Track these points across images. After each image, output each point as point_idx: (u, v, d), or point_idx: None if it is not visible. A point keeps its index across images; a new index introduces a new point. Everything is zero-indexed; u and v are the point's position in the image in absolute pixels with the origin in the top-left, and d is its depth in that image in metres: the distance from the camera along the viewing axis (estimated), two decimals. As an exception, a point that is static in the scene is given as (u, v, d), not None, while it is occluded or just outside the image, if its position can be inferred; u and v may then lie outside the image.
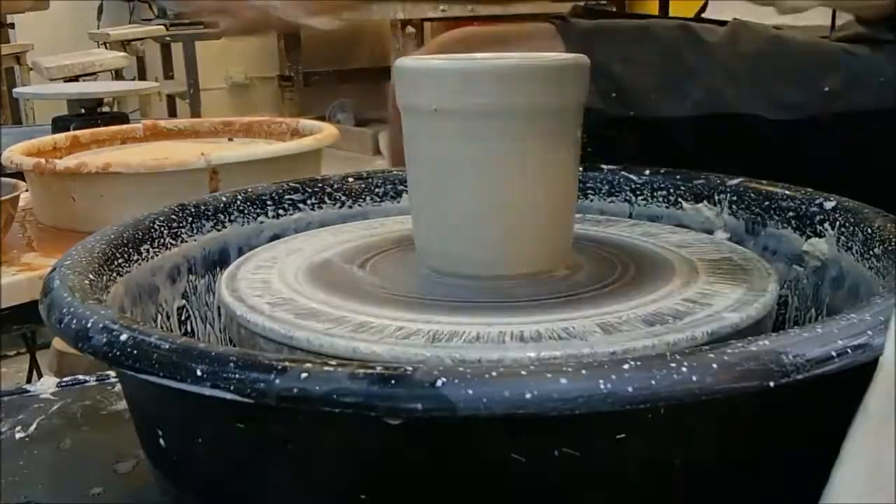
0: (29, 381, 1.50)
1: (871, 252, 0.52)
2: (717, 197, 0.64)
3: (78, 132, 1.31)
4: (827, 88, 0.74)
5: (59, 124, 1.60)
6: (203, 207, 0.63)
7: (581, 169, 0.55)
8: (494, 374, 0.32)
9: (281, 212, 0.67)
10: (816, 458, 0.33)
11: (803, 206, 0.59)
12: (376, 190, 0.70)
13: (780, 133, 0.74)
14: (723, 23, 0.85)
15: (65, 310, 0.42)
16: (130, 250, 0.56)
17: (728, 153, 0.75)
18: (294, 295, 0.50)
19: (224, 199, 0.65)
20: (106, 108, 1.74)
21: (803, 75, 0.76)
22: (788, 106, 0.75)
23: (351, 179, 0.70)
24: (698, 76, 0.78)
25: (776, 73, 0.77)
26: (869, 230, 0.53)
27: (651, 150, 0.76)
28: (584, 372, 0.32)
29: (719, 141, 0.76)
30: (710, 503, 0.39)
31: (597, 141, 0.68)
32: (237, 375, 0.34)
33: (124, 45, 3.27)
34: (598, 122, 0.70)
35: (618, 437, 0.35)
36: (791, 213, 0.60)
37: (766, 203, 0.61)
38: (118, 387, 0.63)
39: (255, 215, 0.66)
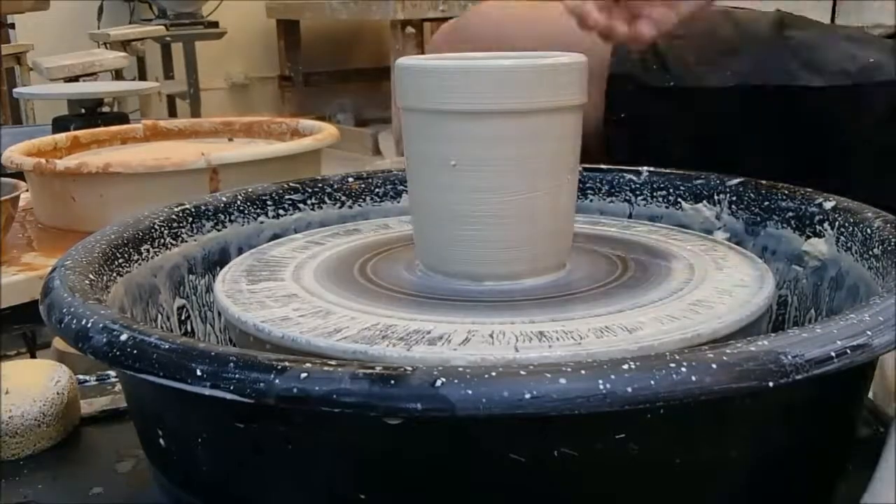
0: (29, 380, 1.49)
1: (870, 252, 0.52)
2: (716, 197, 0.64)
3: (78, 132, 1.31)
4: (871, 60, 0.75)
5: (60, 124, 1.59)
6: (203, 207, 0.63)
7: (581, 169, 0.55)
8: (494, 374, 0.32)
9: (281, 212, 0.67)
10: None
11: (803, 207, 0.59)
12: (376, 190, 0.71)
13: (825, 100, 0.75)
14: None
15: (65, 310, 0.42)
16: (131, 250, 0.56)
17: (767, 123, 0.76)
18: (289, 292, 0.50)
19: (224, 199, 0.65)
20: (106, 109, 1.73)
21: (849, 49, 0.77)
22: (835, 73, 0.76)
23: (351, 179, 0.70)
24: (743, 53, 0.80)
25: (822, 50, 0.78)
26: (868, 230, 0.53)
27: (686, 121, 0.77)
28: (583, 372, 0.32)
29: (762, 109, 0.77)
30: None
31: (630, 108, 0.69)
32: (237, 375, 0.34)
33: (124, 45, 3.26)
34: (635, 92, 0.71)
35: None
36: (790, 214, 0.60)
37: (766, 203, 0.61)
38: (118, 386, 0.63)
39: (255, 215, 0.66)
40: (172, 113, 3.86)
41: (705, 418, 0.37)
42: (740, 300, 0.48)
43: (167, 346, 0.36)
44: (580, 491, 0.37)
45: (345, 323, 0.46)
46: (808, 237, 0.58)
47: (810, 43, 0.79)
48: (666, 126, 0.74)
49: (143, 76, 3.79)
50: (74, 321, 0.41)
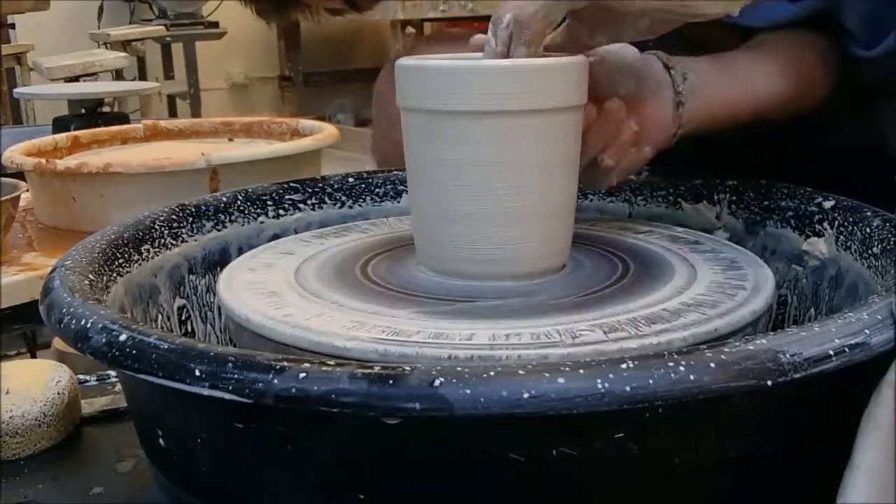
0: (30, 381, 1.49)
1: (869, 251, 0.52)
2: (716, 197, 0.64)
3: (78, 132, 1.31)
4: None
5: (60, 124, 1.59)
6: (203, 207, 0.63)
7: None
8: (492, 373, 0.33)
9: (281, 212, 0.67)
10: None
11: (802, 206, 0.59)
12: (376, 190, 0.71)
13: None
14: None
15: (65, 310, 0.42)
16: (131, 250, 0.56)
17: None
18: (290, 291, 0.50)
19: (224, 199, 0.65)
20: (106, 109, 1.73)
21: None
22: None
23: (351, 179, 0.70)
24: None
25: None
26: (867, 229, 0.53)
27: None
28: (581, 372, 0.32)
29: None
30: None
31: None
32: (235, 376, 0.34)
33: (125, 45, 3.26)
34: None
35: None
36: (790, 213, 0.60)
37: (766, 203, 0.61)
38: (118, 386, 0.63)
39: (255, 215, 0.66)
40: (172, 113, 3.85)
41: (704, 417, 0.37)
42: (740, 300, 0.48)
43: (166, 347, 0.37)
44: (579, 490, 0.37)
45: (344, 322, 0.46)
46: (808, 236, 0.58)
47: None
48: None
49: (143, 76, 3.79)
50: (74, 321, 0.41)
